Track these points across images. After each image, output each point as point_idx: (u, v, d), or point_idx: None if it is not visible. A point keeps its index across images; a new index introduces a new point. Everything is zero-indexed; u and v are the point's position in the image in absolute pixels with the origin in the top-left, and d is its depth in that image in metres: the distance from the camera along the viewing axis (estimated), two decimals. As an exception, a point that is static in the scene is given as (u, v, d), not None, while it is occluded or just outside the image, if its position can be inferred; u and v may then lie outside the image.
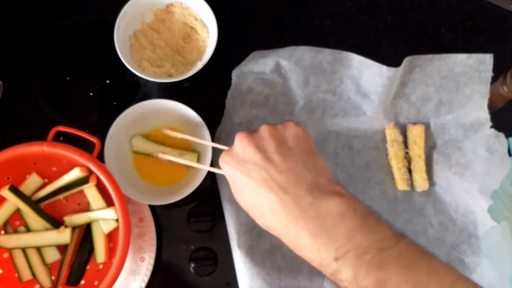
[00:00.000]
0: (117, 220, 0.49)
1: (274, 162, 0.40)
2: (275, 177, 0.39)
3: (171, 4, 0.61)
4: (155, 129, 0.58)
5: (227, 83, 0.59)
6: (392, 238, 0.36)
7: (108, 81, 0.62)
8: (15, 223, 0.53)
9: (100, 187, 0.51)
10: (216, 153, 0.53)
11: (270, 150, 0.40)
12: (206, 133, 0.54)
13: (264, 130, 0.42)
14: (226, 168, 0.43)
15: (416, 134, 0.58)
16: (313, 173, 0.40)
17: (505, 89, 0.54)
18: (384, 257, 0.35)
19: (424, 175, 0.57)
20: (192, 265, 0.55)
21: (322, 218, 0.37)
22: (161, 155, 0.55)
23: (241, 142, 0.42)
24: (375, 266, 0.34)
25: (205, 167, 0.53)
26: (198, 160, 0.56)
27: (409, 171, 0.58)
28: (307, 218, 0.37)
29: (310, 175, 0.39)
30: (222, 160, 0.43)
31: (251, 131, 0.43)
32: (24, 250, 0.52)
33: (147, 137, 0.57)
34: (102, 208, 0.52)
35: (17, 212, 0.53)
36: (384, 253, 0.35)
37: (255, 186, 0.39)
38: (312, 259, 0.38)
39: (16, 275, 0.52)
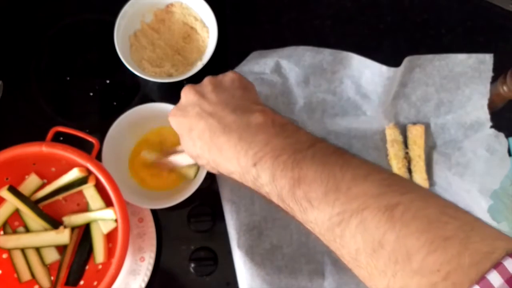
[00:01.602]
0: (116, 221, 0.49)
1: (208, 98, 0.42)
2: (207, 108, 0.41)
3: (171, 4, 0.61)
4: (154, 131, 0.58)
5: (227, 83, 0.59)
6: (308, 141, 0.37)
7: (108, 81, 0.62)
8: (14, 223, 0.53)
9: (99, 187, 0.51)
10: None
11: (206, 91, 0.43)
12: None
13: (205, 79, 0.45)
14: (172, 120, 0.45)
15: (416, 134, 0.58)
16: (241, 100, 0.42)
17: (505, 89, 0.54)
18: (299, 157, 0.36)
19: (424, 175, 0.57)
20: (192, 265, 0.55)
21: (241, 130, 0.39)
22: (165, 159, 0.54)
23: (184, 93, 0.44)
24: (290, 166, 0.35)
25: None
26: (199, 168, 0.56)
27: (409, 171, 0.58)
28: (228, 132, 0.39)
29: (238, 101, 0.42)
30: (170, 115, 0.45)
31: (195, 84, 0.46)
32: (23, 250, 0.52)
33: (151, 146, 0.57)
34: (101, 209, 0.52)
35: (16, 213, 0.53)
36: (299, 154, 0.36)
37: (190, 122, 0.42)
38: (234, 171, 0.39)
39: (15, 275, 0.52)
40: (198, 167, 0.55)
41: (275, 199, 0.37)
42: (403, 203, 0.30)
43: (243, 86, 0.44)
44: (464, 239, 0.28)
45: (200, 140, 0.41)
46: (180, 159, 0.52)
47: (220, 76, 0.45)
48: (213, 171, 0.44)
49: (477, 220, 0.30)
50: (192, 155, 0.44)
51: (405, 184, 0.33)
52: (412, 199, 0.31)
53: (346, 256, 0.33)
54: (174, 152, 0.53)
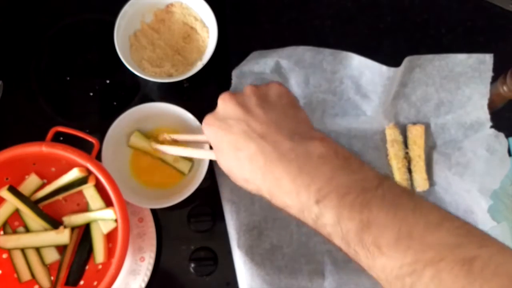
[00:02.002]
0: (116, 220, 0.49)
1: (255, 115, 0.39)
2: (255, 127, 0.38)
3: (171, 4, 0.61)
4: (153, 131, 0.57)
5: (227, 83, 0.59)
6: (375, 178, 0.34)
7: (108, 81, 0.62)
8: (14, 223, 0.53)
9: (99, 187, 0.51)
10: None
11: (251, 104, 0.40)
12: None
13: (246, 89, 0.42)
14: (208, 130, 0.41)
15: (416, 134, 0.58)
16: (294, 122, 0.39)
17: (505, 89, 0.54)
18: (368, 197, 0.33)
19: (424, 175, 0.57)
20: (192, 265, 0.55)
21: (302, 160, 0.35)
22: (154, 145, 0.54)
23: (223, 101, 0.41)
24: (358, 206, 0.32)
25: (198, 153, 0.52)
26: (193, 164, 0.56)
27: (409, 171, 0.58)
28: (286, 161, 0.36)
29: (291, 124, 0.38)
30: (204, 123, 0.42)
31: (234, 92, 0.42)
32: (23, 250, 0.52)
33: (146, 135, 0.57)
34: (101, 209, 0.52)
35: (16, 213, 0.53)
36: (368, 193, 0.33)
37: (235, 140, 0.38)
38: (292, 205, 0.36)
39: (15, 275, 0.52)
40: (192, 163, 0.55)
41: (337, 242, 0.34)
42: (482, 257, 0.29)
43: (292, 103, 0.41)
44: None
45: (251, 164, 0.37)
46: (170, 150, 0.52)
47: (264, 87, 0.42)
48: (252, 191, 0.40)
49: None
50: (234, 174, 0.40)
51: (481, 234, 0.31)
52: (491, 253, 0.29)
53: None
54: (166, 140, 0.53)
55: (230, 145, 0.39)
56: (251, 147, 0.37)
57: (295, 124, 0.39)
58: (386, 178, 0.35)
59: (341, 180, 0.34)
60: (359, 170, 0.35)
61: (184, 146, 0.54)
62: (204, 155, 0.52)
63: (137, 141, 0.56)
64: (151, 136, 0.57)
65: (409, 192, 0.35)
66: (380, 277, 0.32)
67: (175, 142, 0.55)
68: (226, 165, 0.41)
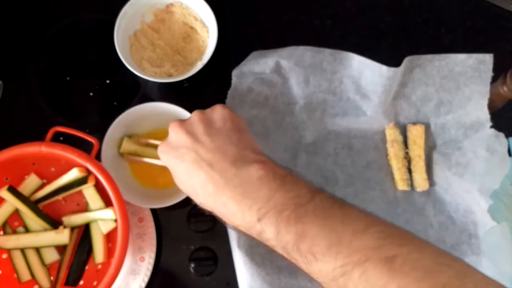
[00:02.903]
0: (115, 220, 0.49)
1: (203, 143, 0.42)
2: (204, 156, 0.42)
3: (171, 4, 0.61)
4: (152, 131, 0.57)
5: (227, 83, 0.59)
6: (308, 193, 0.39)
7: (108, 81, 0.62)
8: (14, 223, 0.53)
9: (99, 187, 0.51)
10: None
11: (199, 132, 0.43)
12: None
13: (193, 116, 0.45)
14: (164, 157, 0.45)
15: (416, 134, 0.58)
16: (238, 147, 0.42)
17: (505, 89, 0.54)
18: (301, 211, 0.37)
19: (424, 175, 0.57)
20: (192, 265, 0.55)
21: (244, 184, 0.40)
22: (139, 159, 0.55)
23: (173, 130, 0.45)
24: (293, 221, 0.37)
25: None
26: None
27: (409, 171, 0.58)
28: (231, 187, 0.40)
29: (235, 149, 0.42)
30: (159, 151, 0.46)
31: (182, 120, 0.46)
32: (23, 250, 0.52)
33: (136, 140, 0.57)
34: (100, 209, 0.52)
35: (16, 213, 0.53)
36: (301, 208, 0.37)
37: (188, 168, 0.42)
38: (240, 225, 0.40)
39: (15, 275, 0.52)
40: None
41: (280, 251, 0.39)
42: (401, 255, 0.33)
43: (236, 126, 0.44)
44: (459, 286, 0.31)
45: (203, 190, 0.42)
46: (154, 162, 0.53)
47: (209, 112, 0.45)
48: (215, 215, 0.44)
49: (470, 267, 0.34)
50: (192, 198, 0.44)
51: (402, 236, 0.36)
52: (409, 250, 0.34)
53: None
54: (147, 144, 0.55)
55: (184, 172, 0.43)
56: (201, 175, 0.41)
57: (238, 150, 0.42)
58: (319, 192, 0.40)
59: (278, 199, 0.38)
60: (294, 187, 0.39)
61: None
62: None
63: (128, 145, 0.56)
64: (138, 142, 0.57)
65: (340, 203, 0.39)
66: (319, 279, 0.37)
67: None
68: (184, 188, 0.45)
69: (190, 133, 0.43)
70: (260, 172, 0.40)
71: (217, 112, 0.45)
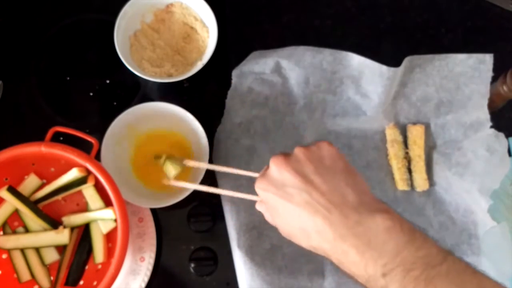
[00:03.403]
0: (115, 220, 0.49)
1: (315, 184, 0.39)
2: (318, 199, 0.39)
3: (171, 4, 0.61)
4: (152, 131, 0.57)
5: (227, 83, 0.59)
6: (439, 254, 0.36)
7: (108, 81, 0.62)
8: (13, 223, 0.53)
9: (99, 187, 0.51)
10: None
11: (308, 172, 0.40)
12: (204, 140, 0.54)
13: (299, 153, 0.41)
14: (265, 195, 0.42)
15: (416, 134, 0.58)
16: (355, 191, 0.39)
17: (505, 89, 0.54)
18: (432, 273, 0.34)
19: (424, 175, 0.57)
20: (192, 265, 0.55)
21: (369, 234, 0.37)
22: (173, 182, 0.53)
23: (277, 167, 0.41)
24: (423, 282, 0.34)
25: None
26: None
27: (409, 171, 0.58)
28: (354, 236, 0.37)
29: (353, 194, 0.39)
30: (258, 187, 0.42)
31: (286, 154, 0.42)
32: (23, 250, 0.52)
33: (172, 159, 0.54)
34: (100, 208, 0.51)
35: (16, 213, 0.53)
36: (432, 270, 0.35)
37: (299, 211, 0.39)
38: (359, 275, 0.37)
39: (15, 275, 0.51)
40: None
41: None
42: None
43: (347, 167, 0.41)
44: None
45: (319, 236, 0.38)
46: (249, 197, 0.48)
47: (315, 149, 0.42)
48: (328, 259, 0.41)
49: None
50: (296, 238, 0.41)
51: None
52: None
53: None
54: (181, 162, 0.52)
55: (292, 213, 0.39)
56: (317, 220, 0.38)
57: (358, 195, 0.39)
58: (450, 253, 0.36)
59: (407, 256, 0.35)
60: (423, 246, 0.36)
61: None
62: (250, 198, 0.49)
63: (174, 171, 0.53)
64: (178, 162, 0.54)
65: (472, 268, 0.36)
66: None
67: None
68: (287, 231, 0.41)
69: (298, 172, 0.40)
70: (388, 223, 0.37)
71: (324, 149, 0.42)
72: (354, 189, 0.39)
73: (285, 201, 0.40)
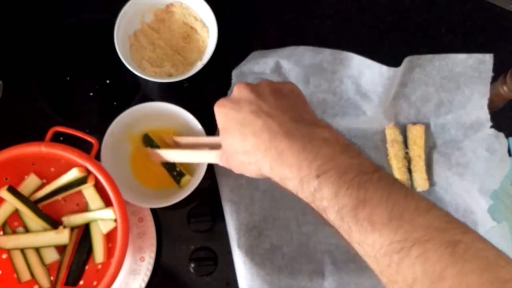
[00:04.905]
0: (115, 220, 0.49)
1: (266, 99, 0.41)
2: (264, 108, 0.41)
3: (171, 4, 0.61)
4: (152, 131, 0.57)
5: (227, 83, 0.59)
6: (371, 165, 0.37)
7: (108, 81, 0.62)
8: (13, 223, 0.53)
9: (98, 187, 0.51)
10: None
11: (264, 92, 0.42)
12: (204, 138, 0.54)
13: (262, 81, 0.44)
14: (219, 110, 0.43)
15: (416, 134, 0.58)
16: (301, 113, 0.41)
17: (505, 89, 0.54)
18: (364, 178, 0.36)
19: (424, 175, 0.57)
20: (192, 265, 0.55)
21: (306, 139, 0.38)
22: (175, 138, 0.55)
23: (238, 88, 0.43)
24: (356, 185, 0.35)
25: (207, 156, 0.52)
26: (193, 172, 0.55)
27: (409, 171, 0.58)
28: (291, 138, 0.38)
29: (298, 114, 0.41)
30: (217, 104, 0.44)
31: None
32: (23, 250, 0.52)
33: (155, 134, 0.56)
34: (100, 208, 0.51)
35: (16, 213, 0.53)
36: (365, 176, 0.36)
37: (243, 117, 0.41)
38: (292, 177, 0.38)
39: (15, 275, 0.51)
40: (189, 179, 0.54)
41: (332, 216, 0.36)
42: (465, 242, 0.32)
43: (302, 99, 0.43)
44: None
45: (256, 138, 0.40)
46: (168, 155, 0.53)
47: (279, 83, 0.44)
48: (251, 173, 0.42)
49: None
50: (235, 150, 0.42)
51: (463, 224, 0.34)
52: (473, 239, 0.32)
53: (399, 283, 0.33)
54: (171, 144, 0.53)
55: (238, 122, 0.41)
56: (257, 123, 0.40)
57: (302, 114, 0.41)
58: (381, 168, 0.38)
59: (342, 161, 0.37)
60: (358, 156, 0.38)
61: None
62: (203, 158, 0.52)
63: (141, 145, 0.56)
64: (158, 138, 0.56)
65: (401, 182, 0.38)
66: (368, 253, 0.35)
67: (177, 146, 0.55)
68: (229, 142, 0.43)
69: (255, 91, 0.42)
70: (325, 134, 0.38)
71: (287, 84, 0.44)
72: (300, 112, 0.41)
73: (234, 111, 0.42)
